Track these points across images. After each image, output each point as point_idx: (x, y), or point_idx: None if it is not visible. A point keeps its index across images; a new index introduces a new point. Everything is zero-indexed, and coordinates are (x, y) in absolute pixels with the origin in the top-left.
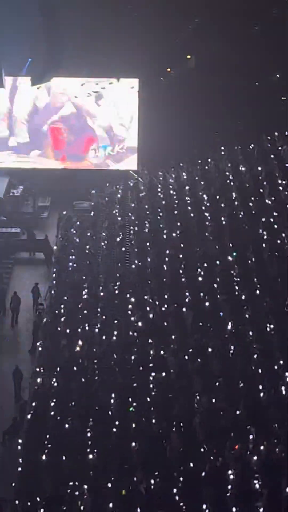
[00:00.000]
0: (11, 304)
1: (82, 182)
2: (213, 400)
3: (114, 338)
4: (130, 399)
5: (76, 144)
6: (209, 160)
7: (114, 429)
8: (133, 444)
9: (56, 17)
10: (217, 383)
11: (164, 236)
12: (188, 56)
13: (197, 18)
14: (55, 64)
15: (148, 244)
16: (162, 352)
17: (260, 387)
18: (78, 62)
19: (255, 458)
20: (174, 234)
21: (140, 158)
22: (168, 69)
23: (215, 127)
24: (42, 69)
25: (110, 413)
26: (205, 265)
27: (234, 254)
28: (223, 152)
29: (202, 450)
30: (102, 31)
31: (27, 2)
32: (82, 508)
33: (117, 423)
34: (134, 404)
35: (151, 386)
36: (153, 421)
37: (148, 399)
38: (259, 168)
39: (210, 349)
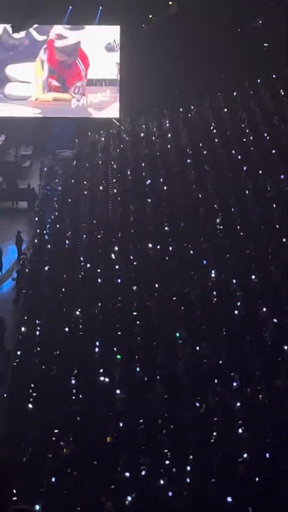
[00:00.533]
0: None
1: (65, 130)
2: (197, 348)
3: (97, 285)
4: (114, 348)
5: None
6: (192, 107)
7: (99, 378)
8: (118, 391)
9: None
10: (200, 331)
11: (147, 184)
12: (170, 2)
13: None
14: (36, 11)
15: (131, 192)
16: (146, 301)
17: (244, 334)
18: (59, 9)
19: (238, 404)
20: (157, 182)
21: (123, 106)
22: (150, 16)
23: (198, 74)
24: (23, 16)
25: (94, 360)
26: (188, 212)
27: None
28: (205, 100)
29: (185, 397)
30: None
31: None
32: (67, 455)
33: (101, 371)
34: (118, 352)
35: (135, 334)
36: (137, 369)
37: (132, 348)
38: (242, 115)
39: (193, 297)
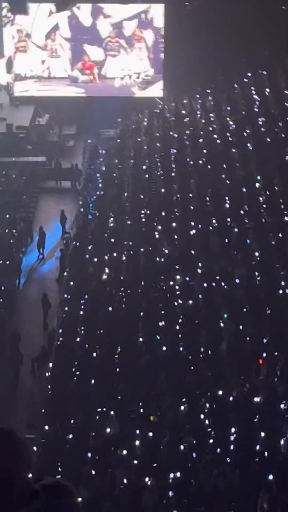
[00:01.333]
0: (38, 240)
1: (108, 110)
2: (240, 327)
3: (141, 266)
4: (157, 326)
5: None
6: (235, 86)
7: (142, 355)
8: (161, 371)
9: None
10: (244, 310)
11: (191, 163)
12: None
13: None
14: None
15: (174, 172)
16: (188, 279)
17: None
18: None
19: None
20: (200, 162)
21: (166, 85)
22: None
23: (242, 53)
24: None
25: (140, 339)
26: (232, 192)
27: (258, 178)
28: (247, 79)
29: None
30: None
31: None
32: (110, 433)
33: (144, 350)
34: (161, 332)
35: (178, 313)
36: (181, 348)
37: (176, 327)
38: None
39: (236, 277)
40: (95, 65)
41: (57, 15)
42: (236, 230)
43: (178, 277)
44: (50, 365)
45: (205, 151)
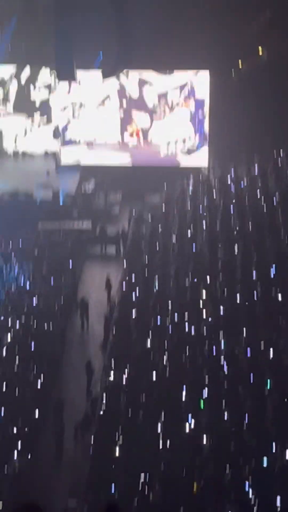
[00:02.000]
0: (80, 311)
1: (153, 177)
2: (285, 400)
3: (185, 332)
4: (202, 394)
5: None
6: (281, 153)
7: (186, 423)
8: (204, 438)
9: (127, 11)
10: None
11: (236, 229)
12: (260, 49)
13: (269, 11)
14: (126, 57)
15: (219, 238)
16: (232, 347)
17: None
18: (149, 55)
19: None
20: (245, 228)
21: (211, 152)
22: (239, 62)
23: (287, 120)
24: (113, 62)
25: (181, 407)
26: (278, 256)
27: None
28: None
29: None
30: (174, 23)
31: None
32: (153, 500)
33: (189, 417)
34: (205, 397)
35: (222, 380)
36: (225, 416)
37: (220, 394)
38: None
39: (281, 345)
40: (140, 131)
41: (108, 87)
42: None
43: (222, 344)
44: (93, 432)
45: (250, 218)
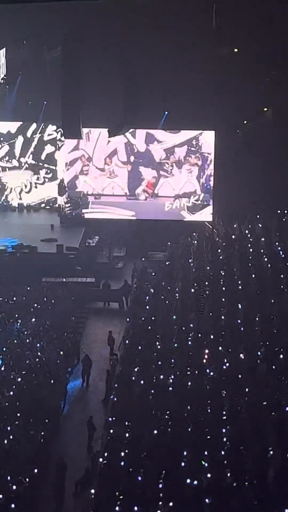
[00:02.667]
0: (82, 368)
1: (157, 233)
2: None
3: (187, 389)
4: (203, 452)
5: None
6: (286, 212)
7: (187, 481)
8: (206, 497)
9: (134, 70)
10: None
11: (239, 287)
12: (265, 108)
13: (274, 70)
14: (132, 116)
15: (223, 295)
16: (235, 404)
17: None
18: (155, 114)
19: None
20: (250, 288)
21: (216, 209)
22: (245, 121)
23: None
24: (119, 120)
25: (182, 464)
26: (280, 316)
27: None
28: None
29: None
30: (179, 83)
31: (106, 56)
32: None
33: (190, 475)
34: (206, 455)
35: (224, 439)
36: (228, 474)
37: (222, 452)
38: None
39: (284, 404)
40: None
41: (115, 140)
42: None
43: (224, 403)
44: (94, 488)
45: (253, 275)
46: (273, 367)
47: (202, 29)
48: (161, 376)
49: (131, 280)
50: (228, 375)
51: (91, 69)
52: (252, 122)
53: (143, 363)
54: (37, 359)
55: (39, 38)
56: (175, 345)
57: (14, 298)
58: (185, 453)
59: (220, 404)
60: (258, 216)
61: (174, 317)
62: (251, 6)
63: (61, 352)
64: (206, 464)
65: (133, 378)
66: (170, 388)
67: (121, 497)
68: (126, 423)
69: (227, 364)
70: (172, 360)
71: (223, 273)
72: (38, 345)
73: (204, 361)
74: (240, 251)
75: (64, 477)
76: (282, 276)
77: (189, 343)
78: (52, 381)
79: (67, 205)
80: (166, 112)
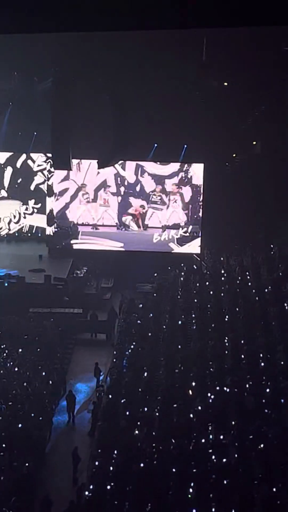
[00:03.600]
0: (67, 404)
1: (145, 264)
2: (273, 489)
3: (174, 422)
4: (189, 485)
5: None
6: (272, 245)
7: None
8: None
9: (124, 102)
10: (278, 471)
11: (226, 319)
12: (254, 142)
13: (263, 104)
14: (122, 148)
15: (210, 327)
16: (222, 437)
17: None
18: (144, 146)
19: None
20: (238, 320)
21: (204, 241)
22: (234, 155)
23: (280, 213)
24: (109, 152)
25: (168, 498)
26: (267, 350)
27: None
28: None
29: None
30: (168, 116)
31: (96, 88)
32: None
33: (175, 509)
34: (192, 490)
35: (210, 471)
36: (213, 508)
37: (207, 485)
38: None
39: (271, 436)
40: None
41: (105, 172)
42: (268, 390)
43: (211, 435)
44: None
45: (241, 306)
46: (261, 400)
47: (192, 63)
48: (146, 408)
49: (119, 311)
50: (214, 408)
51: (82, 100)
52: (241, 155)
53: (129, 395)
54: (23, 390)
55: (30, 70)
56: (162, 377)
57: (1, 328)
58: (170, 486)
59: (206, 437)
60: (246, 249)
61: (161, 349)
62: (241, 40)
63: (50, 382)
64: (191, 496)
65: (119, 409)
66: (156, 421)
67: None
68: (112, 455)
69: (214, 397)
70: (159, 392)
71: (210, 306)
72: (24, 375)
73: (190, 393)
74: (227, 284)
75: (49, 508)
76: (269, 309)
77: (176, 373)
78: (38, 412)
79: (56, 235)
80: (156, 145)
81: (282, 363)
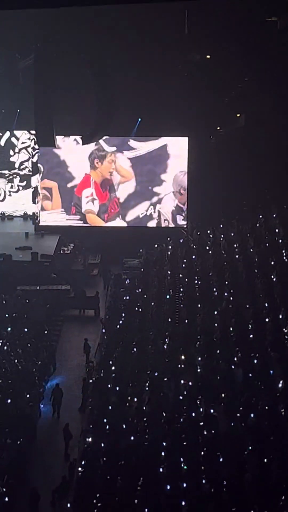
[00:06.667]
0: (51, 397)
1: (132, 239)
2: (265, 460)
3: (163, 396)
4: (180, 458)
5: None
6: (260, 217)
7: (164, 488)
8: (183, 503)
9: (107, 78)
10: (268, 442)
11: (215, 294)
12: (238, 115)
13: (246, 76)
14: (106, 123)
15: (198, 302)
16: (212, 411)
17: None
18: (128, 121)
19: None
20: (225, 294)
21: (190, 215)
22: (218, 128)
23: (265, 185)
24: (92, 128)
25: (160, 470)
26: (256, 322)
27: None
28: (272, 210)
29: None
30: (152, 90)
31: (79, 63)
32: None
33: (167, 482)
34: (183, 462)
35: (201, 445)
36: (203, 480)
37: (198, 459)
38: None
39: (260, 407)
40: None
41: (88, 147)
42: (257, 360)
43: (201, 409)
44: (71, 496)
45: (228, 281)
46: (249, 372)
47: (174, 36)
48: (136, 383)
49: (106, 287)
50: (204, 381)
51: (64, 76)
52: (225, 128)
53: (119, 370)
54: (13, 367)
55: (12, 46)
56: (151, 351)
57: None
58: (162, 459)
59: (196, 410)
60: (232, 222)
61: (149, 324)
62: (223, 12)
63: (38, 362)
64: (186, 467)
65: (109, 385)
66: (146, 395)
67: (99, 504)
68: (103, 431)
69: (203, 370)
70: (148, 366)
71: (197, 279)
72: (13, 353)
73: (179, 366)
74: (214, 257)
75: (37, 508)
76: (256, 281)
77: (165, 348)
78: (27, 390)
79: (41, 214)
80: (140, 119)
81: (270, 335)
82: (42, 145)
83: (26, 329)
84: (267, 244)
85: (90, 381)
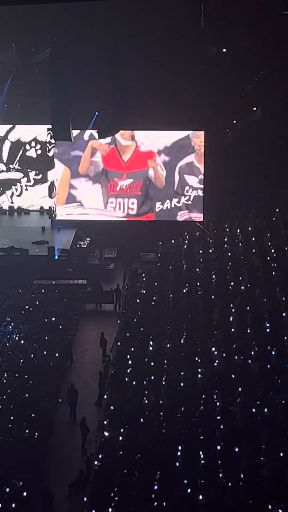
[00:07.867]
0: (67, 398)
1: (148, 233)
2: (281, 454)
3: (180, 390)
4: (197, 452)
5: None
6: (277, 210)
7: (181, 482)
8: (200, 497)
9: (122, 71)
10: (284, 437)
11: (231, 288)
12: (254, 108)
13: (262, 70)
14: (122, 117)
15: (214, 295)
16: (228, 404)
17: None
18: (145, 115)
19: None
20: (242, 287)
21: (207, 209)
22: (234, 121)
23: (282, 178)
24: (108, 122)
25: (177, 465)
26: (272, 316)
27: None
28: None
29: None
30: (169, 84)
31: (94, 58)
32: None
33: (184, 475)
34: (202, 457)
35: (218, 438)
36: (220, 474)
37: (215, 452)
38: None
39: (277, 402)
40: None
41: (104, 141)
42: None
43: (218, 403)
44: (88, 490)
45: (245, 275)
46: (266, 367)
47: (190, 29)
48: (153, 377)
49: (123, 281)
50: (220, 375)
51: (80, 71)
52: (241, 121)
53: (135, 364)
54: (29, 362)
55: (28, 41)
56: (168, 345)
57: (6, 301)
58: (179, 453)
59: (213, 404)
60: (249, 215)
61: (166, 318)
62: (239, 5)
63: (56, 355)
64: (203, 462)
65: (126, 379)
66: (163, 389)
67: (116, 498)
68: (120, 425)
69: (220, 364)
70: (165, 361)
71: (214, 273)
72: (30, 347)
73: (196, 360)
74: (231, 251)
75: (51, 507)
76: (273, 274)
77: (182, 342)
78: (45, 384)
79: (58, 208)
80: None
81: (287, 329)
82: (59, 139)
83: (43, 323)
84: (283, 238)
85: (109, 374)
